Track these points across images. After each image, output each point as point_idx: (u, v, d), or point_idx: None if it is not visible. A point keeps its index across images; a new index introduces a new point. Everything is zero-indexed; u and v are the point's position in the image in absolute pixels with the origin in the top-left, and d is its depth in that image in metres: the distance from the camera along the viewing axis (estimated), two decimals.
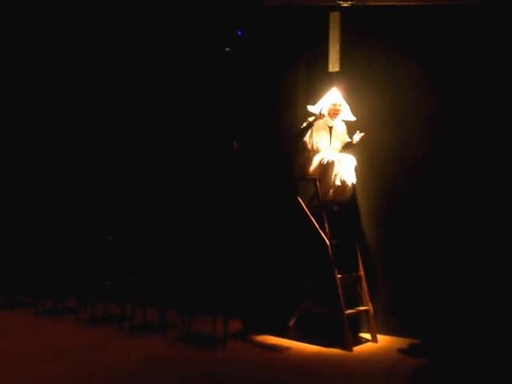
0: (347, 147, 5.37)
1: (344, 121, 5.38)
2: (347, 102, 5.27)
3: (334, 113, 5.25)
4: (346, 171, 5.13)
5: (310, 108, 5.31)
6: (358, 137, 5.21)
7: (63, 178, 7.25)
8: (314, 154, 5.24)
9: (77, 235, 6.39)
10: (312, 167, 5.21)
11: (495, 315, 4.72)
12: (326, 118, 5.25)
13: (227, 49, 6.23)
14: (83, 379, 4.10)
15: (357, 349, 4.91)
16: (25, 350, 4.77)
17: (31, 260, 6.57)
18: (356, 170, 5.21)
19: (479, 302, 4.79)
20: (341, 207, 5.33)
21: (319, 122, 5.25)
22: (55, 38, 7.18)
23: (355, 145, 5.27)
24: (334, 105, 5.23)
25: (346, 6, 5.43)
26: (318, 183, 5.17)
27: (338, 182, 5.10)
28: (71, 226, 6.62)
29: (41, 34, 7.21)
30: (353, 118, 5.30)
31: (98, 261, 5.97)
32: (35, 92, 7.35)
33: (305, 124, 5.22)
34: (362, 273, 5.20)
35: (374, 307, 5.18)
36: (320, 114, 5.14)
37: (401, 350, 4.87)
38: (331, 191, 5.15)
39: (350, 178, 5.15)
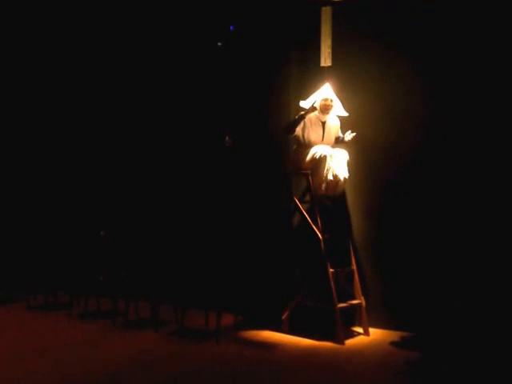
0: (339, 142, 5.39)
1: (337, 116, 5.39)
2: (339, 97, 5.28)
3: (325, 108, 5.26)
4: (338, 166, 5.14)
5: (302, 103, 5.31)
6: (349, 136, 5.22)
7: (56, 174, 7.24)
8: (307, 149, 5.25)
9: (69, 230, 6.38)
10: (304, 162, 5.22)
11: (486, 308, 4.76)
12: (318, 112, 5.26)
13: (219, 44, 6.22)
14: (75, 374, 4.09)
15: (349, 342, 4.94)
16: (16, 346, 4.76)
17: (23, 255, 6.55)
18: (348, 164, 5.23)
19: (470, 296, 4.83)
20: (333, 202, 5.36)
21: (312, 117, 5.26)
22: (51, 37, 7.18)
23: (347, 143, 5.29)
24: (325, 100, 5.23)
25: (338, 1, 5.45)
26: (310, 178, 5.18)
27: (330, 177, 5.11)
28: (64, 222, 6.61)
29: (40, 35, 7.20)
30: (345, 114, 5.31)
31: (91, 256, 5.96)
32: (31, 88, 7.33)
33: (296, 116, 5.24)
34: (354, 267, 5.23)
35: (366, 301, 5.21)
36: (312, 106, 5.14)
37: (393, 343, 4.90)
38: (323, 186, 5.16)
39: (343, 173, 5.16)
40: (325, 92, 5.22)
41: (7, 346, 4.75)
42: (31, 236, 6.57)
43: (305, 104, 5.28)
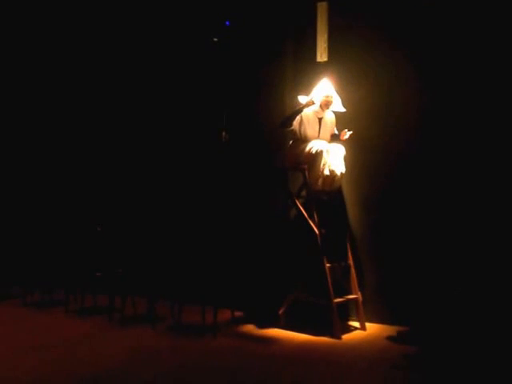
0: (335, 139, 5.38)
1: (334, 112, 5.39)
2: (336, 92, 5.28)
3: (325, 104, 5.25)
4: (334, 161, 5.14)
5: (301, 98, 5.29)
6: (346, 135, 5.22)
7: (52, 171, 7.22)
8: (303, 144, 5.24)
9: (65, 226, 6.37)
10: (301, 157, 5.21)
11: (483, 302, 4.77)
12: (317, 108, 5.25)
13: (215, 39, 6.20)
14: (72, 370, 4.08)
15: (346, 337, 4.94)
16: (13, 342, 4.75)
17: (20, 251, 6.54)
18: (345, 159, 5.23)
19: (467, 290, 4.85)
20: (330, 197, 5.36)
21: (309, 112, 5.25)
22: (48, 36, 7.18)
23: (344, 141, 5.28)
24: (327, 96, 5.21)
25: None
26: (306, 173, 5.18)
27: (326, 172, 5.11)
28: (60, 218, 6.59)
29: (39, 35, 7.20)
30: (343, 110, 5.30)
31: (87, 252, 5.95)
32: (30, 86, 7.33)
33: (294, 110, 5.22)
34: (350, 261, 5.23)
35: (362, 295, 5.23)
36: (311, 100, 5.12)
37: (389, 338, 4.92)
38: (320, 181, 5.16)
39: (339, 168, 5.16)
40: (326, 88, 5.19)
41: (3, 342, 4.74)
42: (28, 233, 6.56)
43: (304, 99, 5.26)
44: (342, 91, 5.31)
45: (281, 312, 5.28)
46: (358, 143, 5.36)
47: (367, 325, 5.20)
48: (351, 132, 5.21)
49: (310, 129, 5.26)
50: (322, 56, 5.55)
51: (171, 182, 6.42)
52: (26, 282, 6.21)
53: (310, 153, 5.15)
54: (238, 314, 5.57)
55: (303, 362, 4.32)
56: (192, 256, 5.49)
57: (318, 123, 5.30)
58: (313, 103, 5.17)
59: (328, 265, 5.01)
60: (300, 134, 5.28)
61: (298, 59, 5.77)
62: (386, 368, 4.17)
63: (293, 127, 5.27)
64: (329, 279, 4.94)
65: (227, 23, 6.12)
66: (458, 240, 4.95)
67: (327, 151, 5.13)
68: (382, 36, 5.34)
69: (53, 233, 6.36)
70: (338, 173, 5.16)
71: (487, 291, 4.78)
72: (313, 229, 5.10)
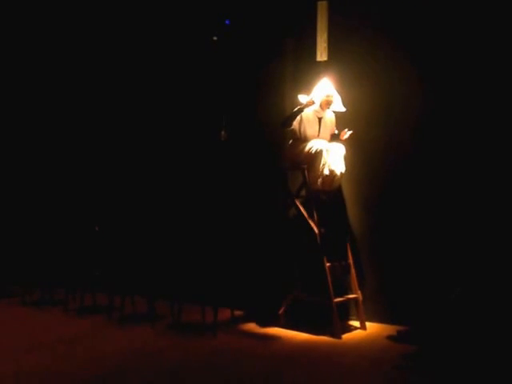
0: (335, 138, 5.38)
1: (334, 111, 5.38)
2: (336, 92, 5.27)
3: (326, 103, 5.24)
4: (334, 160, 5.13)
5: (301, 97, 5.28)
6: (346, 135, 5.22)
7: (50, 170, 7.21)
8: (302, 143, 5.24)
9: (64, 226, 6.36)
10: (300, 156, 5.20)
11: (483, 302, 4.77)
12: (318, 108, 5.24)
13: (215, 38, 6.20)
14: (71, 370, 4.07)
15: (346, 336, 4.94)
16: (12, 341, 4.73)
17: (19, 250, 6.53)
18: (345, 159, 5.22)
19: (467, 290, 4.85)
20: (329, 196, 5.35)
21: (309, 112, 5.24)
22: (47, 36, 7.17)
23: (344, 141, 5.27)
24: (328, 96, 5.20)
25: None
26: (306, 172, 5.17)
27: (326, 172, 5.10)
28: (58, 217, 6.58)
29: (38, 35, 7.19)
30: (343, 109, 5.29)
31: (86, 251, 5.95)
32: (29, 87, 7.33)
33: (294, 110, 5.21)
34: (350, 261, 5.23)
35: (362, 295, 5.22)
36: (311, 100, 5.11)
37: (389, 337, 4.92)
38: (320, 181, 5.15)
39: (339, 168, 5.15)
40: (326, 87, 5.18)
41: (3, 342, 4.72)
42: (27, 232, 6.55)
43: (304, 98, 5.25)
44: (342, 91, 5.30)
45: (281, 311, 5.28)
46: (358, 143, 5.35)
47: (367, 324, 5.20)
48: (351, 132, 5.21)
49: (309, 128, 5.25)
50: (321, 55, 5.54)
51: (171, 181, 6.41)
52: (25, 281, 6.20)
53: (309, 152, 5.14)
54: (237, 313, 5.57)
55: (304, 361, 4.32)
56: (192, 255, 5.49)
57: (317, 123, 5.30)
58: (313, 103, 5.15)
59: (328, 264, 5.00)
60: (300, 133, 5.27)
61: (298, 58, 5.76)
62: (386, 368, 4.16)
63: (293, 127, 5.26)
64: (329, 278, 4.94)
65: (227, 22, 6.12)
66: (457, 240, 4.95)
67: (327, 151, 5.12)
68: (383, 36, 5.32)
69: (52, 232, 6.35)
70: (338, 172, 5.15)
71: (487, 291, 4.78)
72: (312, 228, 5.09)
